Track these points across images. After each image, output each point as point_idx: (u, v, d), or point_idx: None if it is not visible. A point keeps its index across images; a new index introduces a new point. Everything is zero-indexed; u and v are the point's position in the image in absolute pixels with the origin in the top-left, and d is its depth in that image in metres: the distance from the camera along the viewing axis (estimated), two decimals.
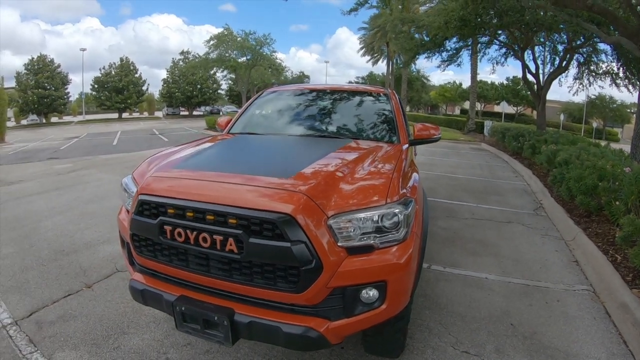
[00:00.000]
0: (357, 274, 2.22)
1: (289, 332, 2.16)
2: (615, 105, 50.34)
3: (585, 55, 18.34)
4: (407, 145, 3.73)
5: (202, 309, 2.30)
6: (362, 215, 2.27)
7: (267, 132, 4.20)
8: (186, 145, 3.51)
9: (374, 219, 2.28)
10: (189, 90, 62.19)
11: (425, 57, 20.18)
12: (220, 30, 48.63)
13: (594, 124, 51.36)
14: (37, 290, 4.01)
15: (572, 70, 19.22)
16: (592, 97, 40.51)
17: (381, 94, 4.62)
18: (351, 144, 3.54)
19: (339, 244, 2.23)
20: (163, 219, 2.37)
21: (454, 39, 18.51)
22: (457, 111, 68.59)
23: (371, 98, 4.61)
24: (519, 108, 57.52)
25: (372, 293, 2.27)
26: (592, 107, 49.11)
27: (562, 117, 46.00)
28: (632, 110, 51.28)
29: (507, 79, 55.01)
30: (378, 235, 2.29)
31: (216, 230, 2.23)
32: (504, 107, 33.95)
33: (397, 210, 2.32)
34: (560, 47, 18.73)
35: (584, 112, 48.41)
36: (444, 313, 3.70)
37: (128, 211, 2.81)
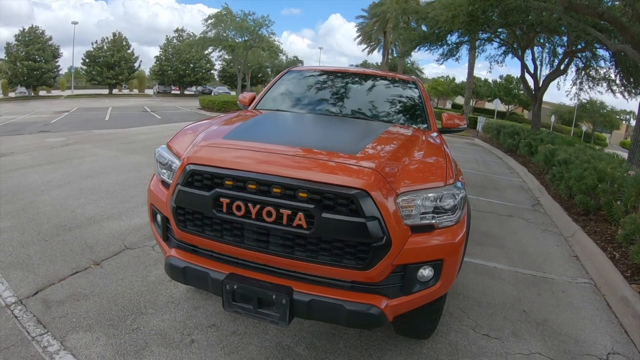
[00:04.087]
0: (419, 252, 2.25)
1: (352, 310, 2.13)
2: (605, 111, 50.62)
3: (584, 60, 18.54)
4: (437, 133, 3.74)
5: (259, 287, 2.20)
6: (425, 195, 2.28)
7: (299, 111, 4.08)
8: (220, 119, 3.30)
9: (435, 200, 2.30)
10: (181, 68, 61.13)
11: (426, 50, 20.19)
12: (213, 9, 47.85)
13: (584, 128, 51.74)
14: (41, 267, 3.79)
15: (570, 74, 19.55)
16: (584, 101, 40.68)
17: (410, 81, 4.63)
18: (392, 128, 3.45)
19: (404, 222, 2.21)
20: (219, 191, 2.21)
21: (456, 34, 18.50)
22: (449, 105, 68.66)
23: (401, 84, 4.62)
24: (510, 106, 57.72)
25: (427, 271, 2.31)
26: (582, 111, 49.31)
27: (552, 118, 46.20)
28: (622, 117, 51.85)
29: (501, 77, 55.04)
30: (436, 216, 2.31)
31: (284, 204, 2.11)
32: (497, 105, 33.96)
33: (454, 192, 2.36)
34: (560, 50, 18.93)
35: (574, 115, 48.70)
36: (461, 298, 3.84)
37: (163, 182, 2.67)
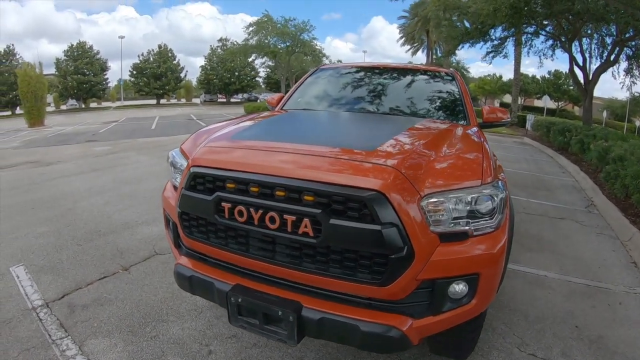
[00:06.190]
0: (450, 265, 1.92)
1: (367, 332, 1.84)
2: None
3: (634, 49, 17.49)
4: (477, 128, 3.36)
5: (264, 302, 1.98)
6: (457, 196, 1.95)
7: (325, 108, 3.87)
8: (237, 120, 3.12)
9: (469, 202, 1.96)
10: (226, 77, 62.40)
11: (470, 46, 19.66)
12: (255, 18, 48.38)
13: (637, 123, 49.01)
14: (71, 271, 3.82)
15: (622, 64, 18.46)
16: (636, 94, 38.11)
17: (446, 74, 4.27)
18: (422, 122, 3.16)
19: (431, 229, 1.90)
20: (220, 194, 2.04)
21: (500, 29, 17.91)
22: (497, 104, 66.89)
23: (436, 78, 4.28)
24: (560, 103, 55.49)
25: (461, 287, 1.97)
26: (635, 105, 46.67)
27: (604, 114, 44.15)
28: None
29: (549, 72, 53.09)
30: (471, 221, 1.97)
31: (288, 208, 1.88)
32: (546, 102, 32.61)
33: (492, 193, 2.01)
34: (608, 40, 17.95)
35: (627, 109, 46.21)
36: (506, 311, 3.48)
37: (175, 187, 2.53)
